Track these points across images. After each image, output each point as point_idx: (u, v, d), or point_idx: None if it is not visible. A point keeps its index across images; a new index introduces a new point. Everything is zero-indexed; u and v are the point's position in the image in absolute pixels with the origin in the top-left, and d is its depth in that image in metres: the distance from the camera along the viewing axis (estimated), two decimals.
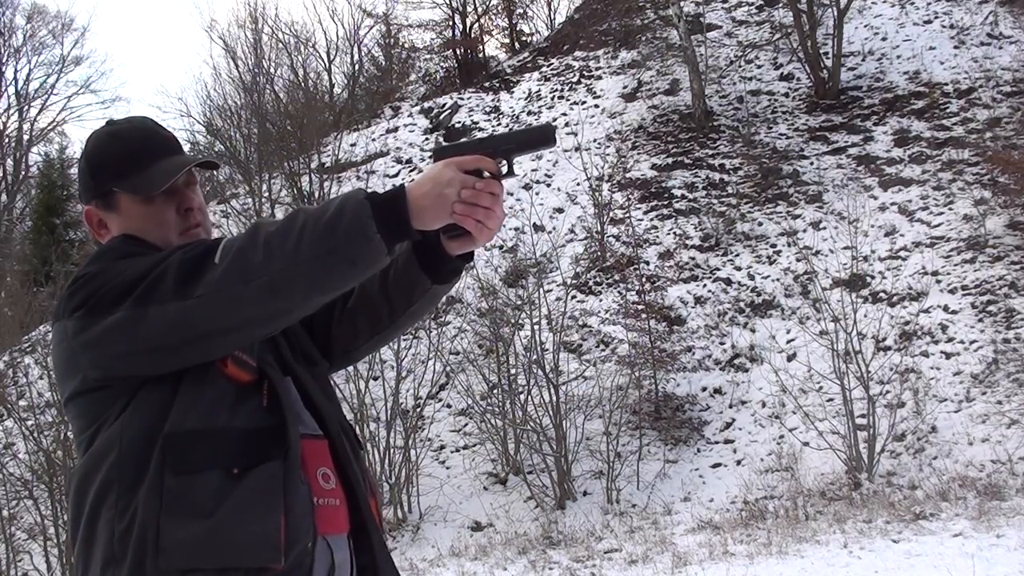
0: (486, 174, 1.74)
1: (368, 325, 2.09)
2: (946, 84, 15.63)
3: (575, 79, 19.14)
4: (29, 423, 11.97)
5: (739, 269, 13.32)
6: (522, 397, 11.06)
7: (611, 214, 14.52)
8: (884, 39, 17.30)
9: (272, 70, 20.84)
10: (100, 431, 1.80)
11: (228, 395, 1.78)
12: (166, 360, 1.75)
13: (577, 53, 20.29)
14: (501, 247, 14.78)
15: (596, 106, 17.97)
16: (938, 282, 11.91)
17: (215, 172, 24.18)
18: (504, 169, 1.79)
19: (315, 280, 1.70)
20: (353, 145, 19.00)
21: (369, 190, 1.71)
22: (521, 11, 25.39)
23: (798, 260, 12.93)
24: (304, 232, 1.67)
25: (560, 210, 15.39)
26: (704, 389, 11.66)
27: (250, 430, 1.78)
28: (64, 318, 1.80)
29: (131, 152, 1.93)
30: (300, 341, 2.05)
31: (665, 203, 14.98)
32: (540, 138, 1.85)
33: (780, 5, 18.63)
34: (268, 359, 1.88)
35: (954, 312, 11.44)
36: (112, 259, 1.82)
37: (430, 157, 1.78)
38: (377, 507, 2.02)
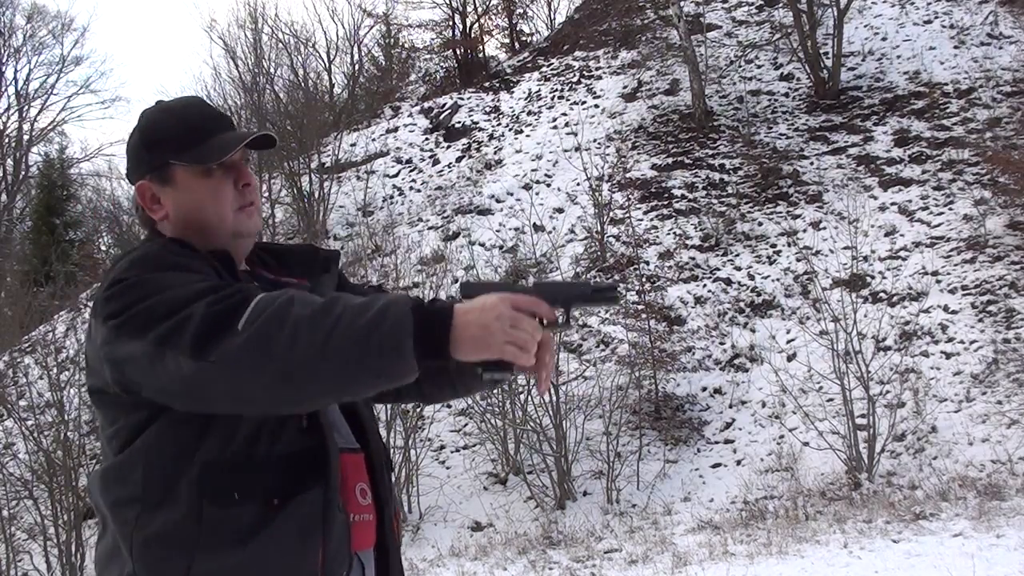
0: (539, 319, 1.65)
1: (393, 396, 2.03)
2: (946, 84, 15.63)
3: (575, 79, 19.14)
4: (29, 423, 11.97)
5: (739, 269, 13.32)
6: (522, 397, 11.06)
7: (611, 214, 14.52)
8: (884, 39, 17.30)
9: (272, 70, 20.86)
10: (123, 436, 1.78)
11: (268, 420, 1.73)
12: (174, 402, 1.70)
13: (577, 53, 20.30)
14: (501, 247, 14.79)
15: (596, 106, 17.98)
16: (938, 282, 11.91)
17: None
18: (561, 319, 1.70)
19: (334, 382, 1.60)
20: (353, 145, 19.00)
21: (416, 298, 1.62)
22: (521, 11, 25.42)
23: (798, 260, 12.93)
24: (337, 329, 1.57)
25: (560, 210, 15.39)
26: (704, 389, 11.66)
27: (290, 455, 1.75)
28: (98, 319, 1.76)
29: (189, 126, 1.91)
30: None
31: (665, 203, 14.98)
32: (606, 297, 1.76)
33: (780, 5, 18.63)
34: None
35: (954, 312, 11.44)
36: (153, 268, 1.75)
37: (458, 291, 1.67)
38: (398, 522, 2.02)
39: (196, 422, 1.71)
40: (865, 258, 12.47)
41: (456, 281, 14.16)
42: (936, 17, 17.45)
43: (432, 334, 1.58)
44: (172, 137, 1.90)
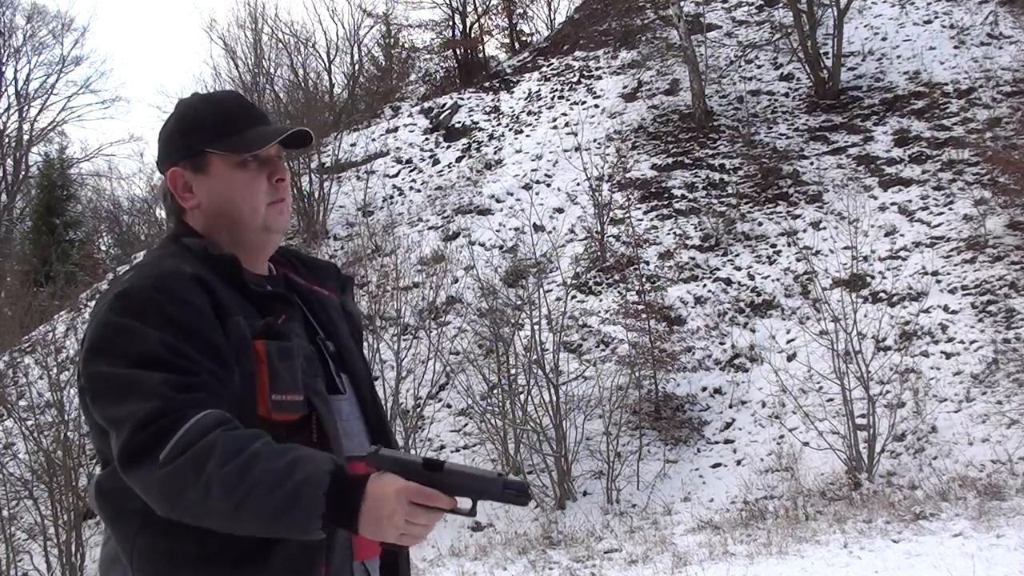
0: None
1: None
2: (946, 84, 15.63)
3: (575, 79, 19.14)
4: (29, 423, 11.97)
5: (739, 269, 13.32)
6: (522, 397, 11.06)
7: (611, 214, 14.52)
8: (884, 39, 17.30)
9: (272, 70, 20.86)
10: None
11: (275, 436, 1.72)
12: None
13: (577, 53, 20.29)
14: (501, 247, 14.79)
15: (596, 106, 17.98)
16: (938, 282, 11.91)
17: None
18: (467, 507, 1.73)
19: (239, 532, 1.63)
20: (353, 145, 19.00)
21: (329, 472, 1.61)
22: (521, 11, 25.41)
23: (798, 260, 12.93)
24: (251, 496, 1.57)
25: (560, 210, 15.39)
26: (704, 389, 11.66)
27: None
28: (85, 337, 1.78)
29: (228, 115, 1.92)
30: (352, 347, 2.02)
31: (665, 203, 14.98)
32: (515, 498, 1.73)
33: (780, 5, 18.63)
34: (317, 386, 1.83)
35: (954, 312, 11.44)
36: (137, 311, 1.72)
37: (369, 458, 1.71)
38: None
39: None
40: (865, 258, 12.47)
41: (456, 281, 14.17)
42: (936, 17, 17.45)
43: (340, 514, 1.61)
44: (210, 125, 1.90)
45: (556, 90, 19.02)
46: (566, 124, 17.48)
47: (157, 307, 1.72)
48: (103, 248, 28.04)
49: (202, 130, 1.89)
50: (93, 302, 18.72)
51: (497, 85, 20.24)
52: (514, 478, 1.68)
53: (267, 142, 1.89)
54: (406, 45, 25.14)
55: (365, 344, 2.13)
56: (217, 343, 1.73)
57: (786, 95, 16.88)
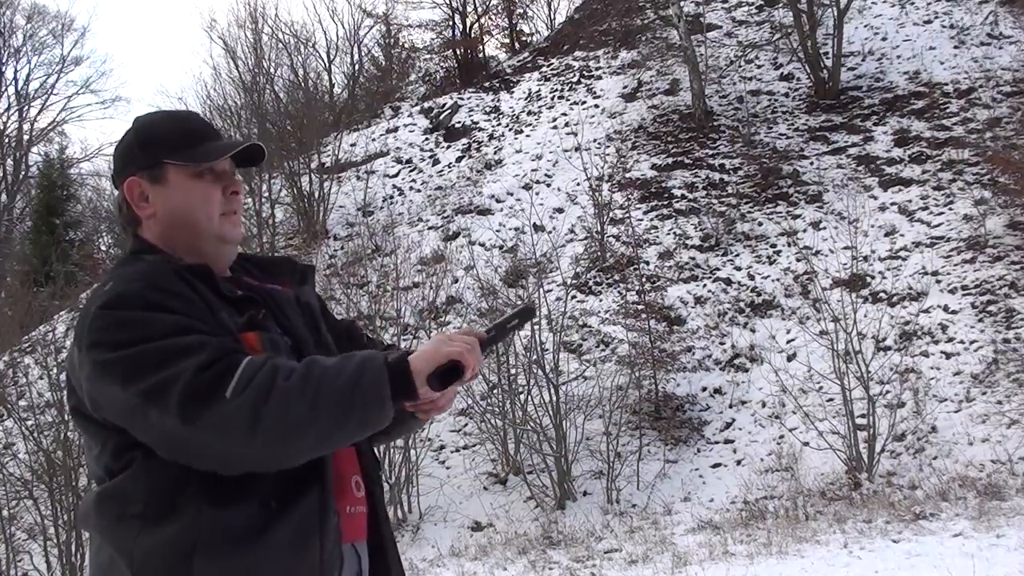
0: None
1: None
2: (946, 84, 15.63)
3: (575, 79, 19.14)
4: (29, 423, 11.96)
5: (739, 269, 13.32)
6: (522, 397, 11.05)
7: (611, 214, 14.52)
8: (884, 39, 17.30)
9: (272, 70, 20.85)
10: (115, 458, 1.80)
11: None
12: (155, 450, 1.75)
13: (577, 53, 20.30)
14: (501, 247, 14.79)
15: (596, 106, 17.98)
16: (938, 282, 11.91)
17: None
18: (491, 335, 1.95)
19: (324, 438, 1.74)
20: (353, 145, 19.00)
21: (379, 352, 1.82)
22: (521, 11, 25.42)
23: (798, 260, 12.93)
24: (321, 390, 1.71)
25: (560, 210, 15.39)
26: (704, 389, 11.66)
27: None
28: (80, 347, 1.79)
29: (185, 128, 1.99)
30: (331, 338, 2.08)
31: (665, 203, 14.98)
32: (523, 313, 2.06)
33: (780, 5, 18.63)
34: None
35: (954, 312, 11.44)
36: (141, 306, 1.78)
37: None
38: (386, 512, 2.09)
39: None
40: (865, 258, 12.47)
41: (456, 281, 14.17)
42: (936, 17, 17.45)
43: (402, 379, 1.75)
44: (168, 137, 1.97)
45: (556, 90, 19.02)
46: (566, 124, 17.48)
47: (158, 300, 1.78)
48: (103, 248, 28.00)
49: (161, 142, 1.96)
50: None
51: (497, 85, 20.24)
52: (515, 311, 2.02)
53: (223, 153, 1.97)
54: (406, 45, 25.15)
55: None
56: (224, 324, 1.82)
57: (786, 95, 16.88)
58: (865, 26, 17.70)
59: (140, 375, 1.71)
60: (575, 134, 16.56)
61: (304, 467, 1.78)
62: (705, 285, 13.18)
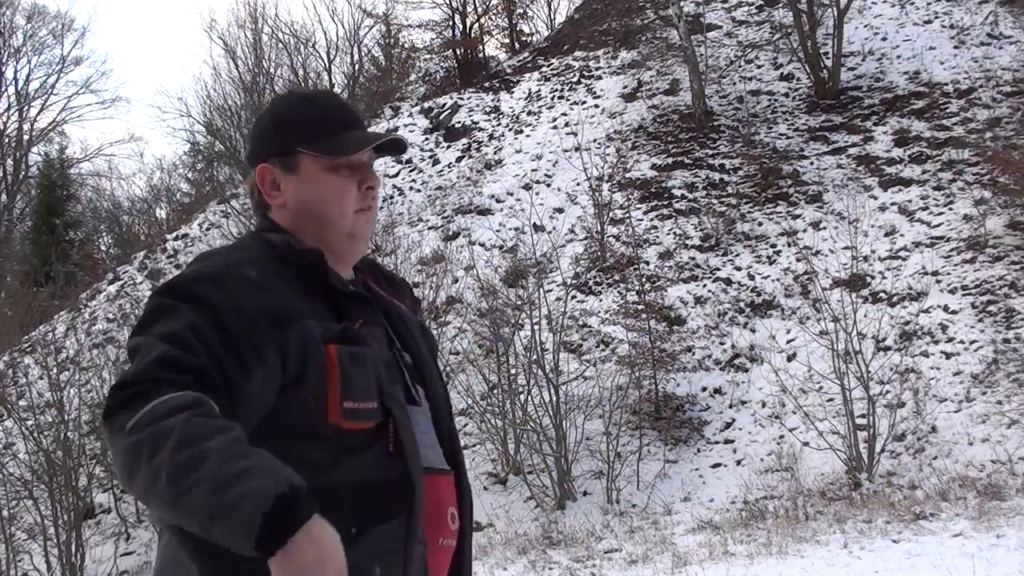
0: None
1: None
2: (946, 84, 15.63)
3: (575, 79, 19.14)
4: (29, 423, 11.97)
5: (739, 269, 13.33)
6: (522, 397, 11.06)
7: (611, 214, 14.52)
8: (884, 39, 17.30)
9: (272, 70, 20.86)
10: None
11: (348, 445, 1.66)
12: None
13: (577, 53, 20.30)
14: (501, 247, 14.80)
15: (596, 106, 17.98)
16: (938, 282, 11.91)
17: (223, 172, 24.16)
18: None
19: (180, 523, 1.51)
20: None
21: (278, 492, 1.44)
22: (521, 11, 25.41)
23: (798, 260, 12.93)
24: (191, 492, 1.45)
25: (560, 210, 15.39)
26: (704, 389, 11.66)
27: (372, 483, 1.67)
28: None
29: (324, 116, 1.87)
30: (431, 362, 1.95)
31: (665, 203, 14.98)
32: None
33: (780, 5, 18.63)
34: (395, 393, 1.75)
35: (954, 312, 11.44)
36: (180, 299, 1.66)
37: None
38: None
39: (265, 445, 1.56)
40: (865, 258, 12.47)
41: (456, 281, 14.17)
42: (936, 17, 17.45)
43: (271, 537, 1.44)
44: (305, 124, 1.85)
45: (556, 90, 19.02)
46: (566, 124, 17.48)
47: (200, 294, 1.66)
48: (103, 248, 28.05)
49: (297, 129, 1.85)
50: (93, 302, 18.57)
51: (497, 85, 20.24)
52: None
53: (361, 147, 1.85)
54: (406, 45, 25.15)
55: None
56: (242, 343, 1.62)
57: (786, 95, 16.88)
58: (865, 26, 17.70)
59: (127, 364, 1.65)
60: (575, 134, 16.56)
61: (389, 488, 1.67)
62: (705, 285, 13.19)
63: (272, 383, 1.64)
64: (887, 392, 10.33)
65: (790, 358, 11.53)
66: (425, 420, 1.84)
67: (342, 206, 1.84)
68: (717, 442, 10.92)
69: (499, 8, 24.47)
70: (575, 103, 18.26)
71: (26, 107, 32.65)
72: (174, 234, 19.58)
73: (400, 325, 1.92)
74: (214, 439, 1.48)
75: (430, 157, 18.42)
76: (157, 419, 1.50)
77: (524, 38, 25.01)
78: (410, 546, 1.67)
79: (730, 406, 11.34)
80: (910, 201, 13.50)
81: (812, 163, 14.94)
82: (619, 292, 13.21)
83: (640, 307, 12.42)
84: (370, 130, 1.92)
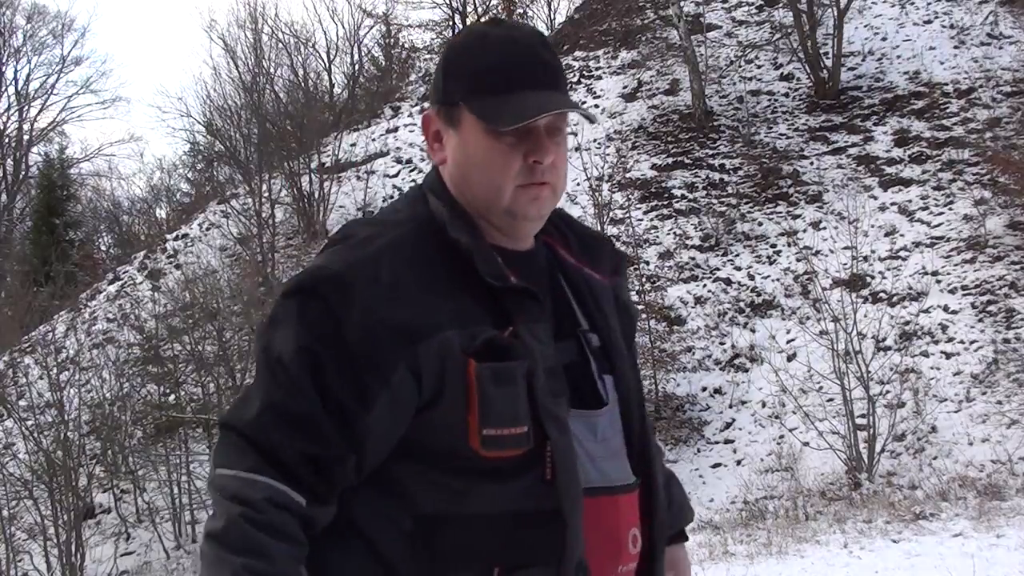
0: None
1: None
2: (946, 84, 15.63)
3: (575, 79, 19.14)
4: (29, 423, 11.98)
5: (739, 269, 13.33)
6: None
7: (611, 214, 14.52)
8: (884, 39, 17.30)
9: (272, 70, 20.84)
10: None
11: (493, 471, 1.42)
12: None
13: (577, 53, 20.29)
14: None
15: (596, 106, 17.97)
16: (938, 282, 11.91)
17: (215, 169, 24.19)
18: None
19: None
20: (353, 145, 19.01)
21: None
22: (521, 11, 25.40)
23: (798, 260, 12.93)
24: None
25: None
26: (704, 389, 11.66)
27: (523, 515, 1.42)
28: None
29: (498, 68, 1.51)
30: (622, 347, 1.63)
31: (665, 203, 14.99)
32: None
33: (780, 5, 18.62)
34: (556, 411, 1.46)
35: (954, 312, 11.44)
36: (297, 304, 1.45)
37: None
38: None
39: (402, 472, 1.45)
40: (865, 258, 12.47)
41: None
42: (936, 17, 17.45)
43: None
44: (472, 74, 1.52)
45: None
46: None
47: (321, 304, 1.43)
48: (103, 248, 28.05)
49: (464, 77, 1.53)
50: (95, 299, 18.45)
51: None
52: None
53: (526, 118, 1.48)
54: (406, 45, 25.15)
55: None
56: (364, 366, 1.41)
57: (786, 95, 16.88)
58: (865, 26, 17.69)
59: (240, 409, 1.45)
60: (575, 134, 16.54)
61: (545, 523, 1.42)
62: (705, 285, 13.19)
63: (401, 408, 1.42)
64: (887, 392, 10.33)
65: (790, 358, 11.53)
66: (611, 423, 1.56)
67: (497, 178, 1.51)
68: (717, 442, 10.93)
69: (499, 8, 24.47)
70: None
71: (26, 107, 32.67)
72: (174, 234, 19.58)
73: (589, 299, 1.61)
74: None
75: (430, 157, 18.42)
76: (226, 543, 1.35)
77: None
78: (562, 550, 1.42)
79: (730, 406, 11.34)
80: (910, 201, 13.50)
81: (812, 163, 14.94)
82: None
83: (640, 307, 12.43)
84: (552, 97, 1.54)
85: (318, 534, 1.42)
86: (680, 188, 15.22)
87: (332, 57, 23.72)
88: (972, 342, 10.95)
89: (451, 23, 23.62)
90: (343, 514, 1.44)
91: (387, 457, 1.43)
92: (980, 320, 11.21)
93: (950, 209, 13.10)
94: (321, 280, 1.45)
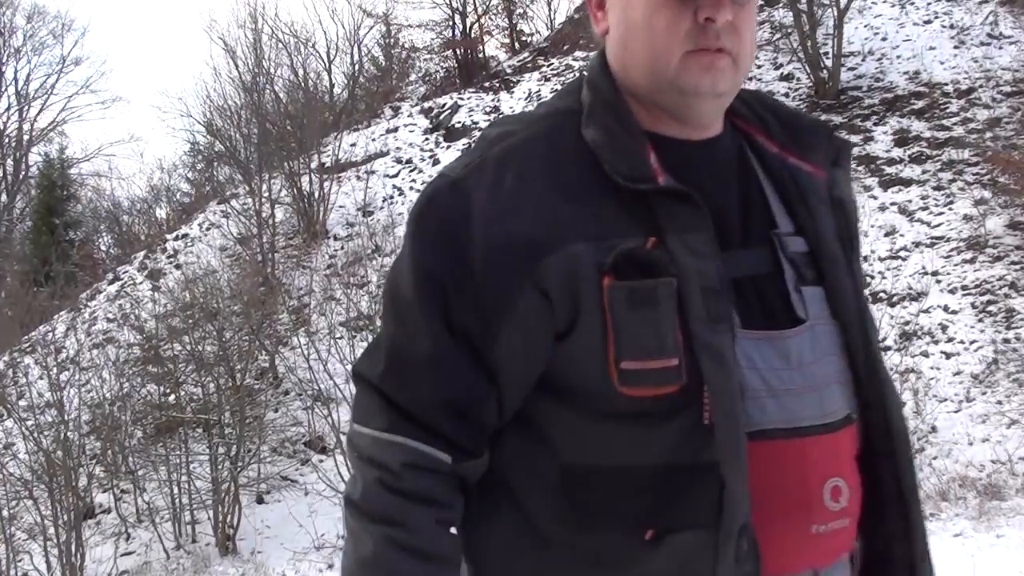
0: None
1: None
2: (946, 84, 15.64)
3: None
4: (29, 423, 11.97)
5: None
6: None
7: None
8: (884, 39, 17.31)
9: (272, 70, 20.82)
10: None
11: (640, 414, 1.20)
12: None
13: (577, 53, 20.30)
14: None
15: None
16: (938, 282, 11.92)
17: (214, 168, 24.18)
18: None
19: None
20: (353, 145, 19.01)
21: None
22: (521, 11, 25.40)
23: None
24: None
25: None
26: None
27: (677, 468, 1.20)
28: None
29: None
30: (835, 251, 1.33)
31: None
32: None
33: (780, 5, 18.63)
34: (713, 337, 1.19)
35: (954, 312, 11.44)
36: (413, 235, 1.27)
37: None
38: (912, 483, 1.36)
39: (537, 410, 1.26)
40: (865, 258, 12.47)
41: None
42: (936, 17, 17.45)
43: None
44: None
45: (556, 90, 18.99)
46: None
47: (440, 216, 1.25)
48: (103, 248, 28.03)
49: None
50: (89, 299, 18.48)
51: (497, 85, 20.25)
52: None
53: None
54: (406, 45, 25.14)
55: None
56: (485, 290, 1.21)
57: (786, 95, 16.88)
58: (865, 26, 17.70)
59: (373, 355, 1.30)
60: None
61: (703, 480, 1.20)
62: None
63: (532, 336, 1.22)
64: None
65: None
66: (813, 346, 1.27)
67: (661, 42, 1.25)
68: None
69: (499, 8, 24.48)
70: None
71: (26, 107, 32.64)
72: (174, 234, 19.58)
73: (793, 196, 1.33)
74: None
75: (430, 157, 18.43)
76: (366, 511, 1.26)
77: (524, 38, 25.01)
78: (724, 547, 1.19)
79: None
80: (910, 201, 13.50)
81: None
82: None
83: None
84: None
85: (470, 493, 1.28)
86: None
87: (332, 57, 23.70)
88: (972, 342, 10.95)
89: (451, 23, 23.62)
90: (489, 473, 1.28)
91: (528, 399, 1.25)
92: (980, 320, 11.21)
93: (950, 209, 13.11)
94: (438, 191, 1.27)
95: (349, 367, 11.22)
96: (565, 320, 1.21)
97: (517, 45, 24.51)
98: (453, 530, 1.26)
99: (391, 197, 17.43)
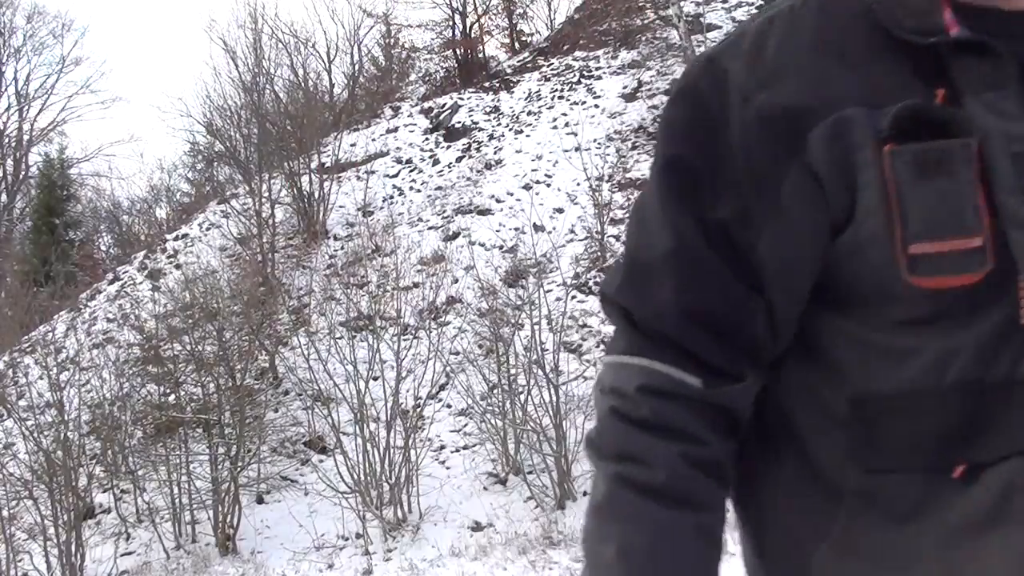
0: None
1: None
2: None
3: (575, 79, 19.15)
4: (29, 423, 11.97)
5: None
6: (522, 397, 11.06)
7: (611, 214, 14.53)
8: None
9: (272, 70, 20.82)
10: None
11: (939, 316, 0.98)
12: None
13: (577, 53, 20.31)
14: (501, 247, 14.80)
15: (596, 106, 17.99)
16: None
17: (215, 168, 24.19)
18: None
19: None
20: (353, 145, 19.01)
21: None
22: (521, 11, 25.40)
23: None
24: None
25: (560, 210, 15.40)
26: None
27: (991, 384, 0.97)
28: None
29: None
30: None
31: None
32: None
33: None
34: None
35: None
36: (665, 125, 1.15)
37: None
38: None
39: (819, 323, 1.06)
40: None
41: (456, 281, 14.17)
42: None
43: None
44: None
45: (556, 90, 19.03)
46: (566, 124, 17.49)
47: (687, 104, 1.09)
48: (103, 248, 28.04)
49: None
50: (91, 298, 18.48)
51: (497, 85, 20.25)
52: None
53: None
54: (406, 45, 25.15)
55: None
56: (742, 177, 1.02)
57: None
58: None
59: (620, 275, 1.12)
60: (575, 134, 16.56)
61: (1022, 395, 0.96)
62: None
63: (801, 228, 1.01)
64: None
65: None
66: None
67: None
68: None
69: (499, 8, 24.48)
70: (575, 103, 18.27)
71: (26, 107, 32.66)
72: (174, 234, 19.59)
73: None
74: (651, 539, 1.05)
75: (430, 157, 18.44)
76: (599, 447, 1.12)
77: (524, 38, 25.02)
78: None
79: None
80: None
81: None
82: None
83: None
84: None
85: (737, 425, 1.07)
86: None
87: (332, 57, 23.70)
88: None
89: (451, 23, 23.62)
90: (765, 414, 1.09)
91: (805, 315, 1.04)
92: None
93: None
94: (690, 70, 1.10)
95: (349, 367, 11.30)
96: (841, 207, 0.99)
97: (517, 45, 24.52)
98: (701, 476, 1.04)
99: (391, 197, 17.44)
